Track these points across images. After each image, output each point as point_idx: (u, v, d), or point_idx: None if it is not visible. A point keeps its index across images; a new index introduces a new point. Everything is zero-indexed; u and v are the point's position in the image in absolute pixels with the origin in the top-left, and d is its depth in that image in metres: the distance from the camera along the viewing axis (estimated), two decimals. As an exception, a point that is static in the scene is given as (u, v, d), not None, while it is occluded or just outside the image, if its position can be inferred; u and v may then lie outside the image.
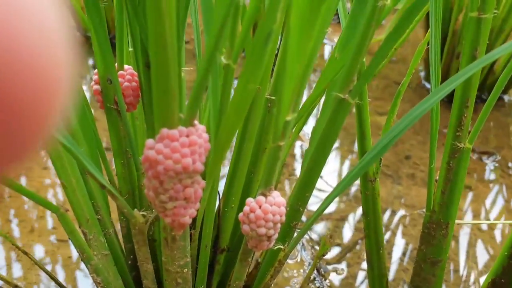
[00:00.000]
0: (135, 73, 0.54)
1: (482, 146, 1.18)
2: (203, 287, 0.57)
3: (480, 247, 0.91)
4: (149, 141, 0.38)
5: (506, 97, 1.36)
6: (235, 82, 0.42)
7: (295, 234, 0.56)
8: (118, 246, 0.56)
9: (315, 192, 0.58)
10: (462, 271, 0.87)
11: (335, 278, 0.83)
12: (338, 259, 0.86)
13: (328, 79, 0.50)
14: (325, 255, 0.52)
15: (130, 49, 0.58)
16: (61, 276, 0.79)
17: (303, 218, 0.91)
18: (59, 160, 0.43)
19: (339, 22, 1.77)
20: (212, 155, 0.43)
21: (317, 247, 0.87)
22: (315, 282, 0.81)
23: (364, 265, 0.85)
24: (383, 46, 0.46)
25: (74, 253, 0.83)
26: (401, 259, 0.88)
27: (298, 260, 0.85)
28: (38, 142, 0.13)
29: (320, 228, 0.93)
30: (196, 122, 0.39)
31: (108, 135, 0.56)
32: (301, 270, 0.83)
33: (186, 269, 0.49)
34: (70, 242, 0.84)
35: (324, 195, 0.98)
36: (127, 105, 0.54)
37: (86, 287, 0.78)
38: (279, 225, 0.45)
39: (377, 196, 0.61)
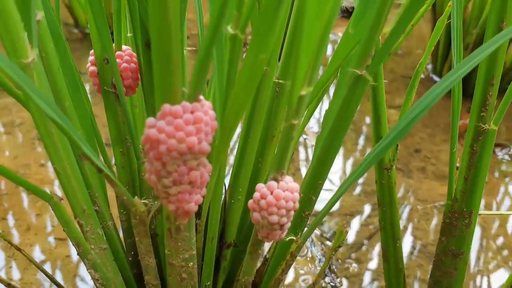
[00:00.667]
0: (134, 54, 0.50)
1: (494, 138, 1.15)
2: (209, 284, 0.53)
3: (495, 239, 0.87)
4: (150, 120, 0.34)
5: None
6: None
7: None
8: (118, 240, 0.52)
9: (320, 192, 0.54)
10: (481, 264, 0.83)
11: (347, 275, 0.79)
12: (349, 255, 0.82)
13: (343, 56, 0.46)
14: (341, 246, 0.48)
15: (129, 34, 0.55)
16: (58, 276, 0.75)
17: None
18: (52, 144, 0.39)
19: (342, 16, 1.74)
20: (218, 137, 0.40)
21: (327, 243, 0.84)
22: (326, 278, 0.77)
23: (375, 262, 0.82)
24: (401, 19, 0.43)
25: (73, 252, 0.79)
26: (415, 255, 0.84)
27: (308, 257, 0.81)
28: None
29: (328, 223, 0.89)
30: (201, 97, 0.35)
31: (107, 131, 0.52)
32: (312, 267, 0.79)
33: (192, 263, 0.45)
34: (68, 241, 0.80)
35: (329, 195, 0.94)
36: (126, 88, 0.50)
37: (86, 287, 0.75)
38: (292, 213, 0.41)
39: (393, 185, 0.57)
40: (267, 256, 0.61)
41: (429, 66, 1.39)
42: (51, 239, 0.82)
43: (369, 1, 0.43)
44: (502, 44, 0.44)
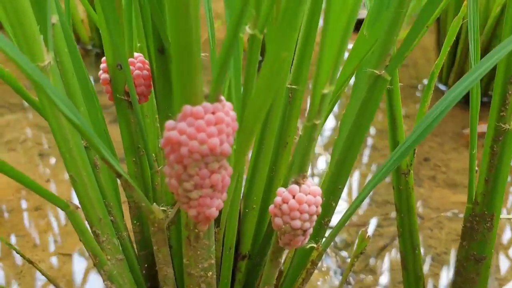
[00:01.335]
0: (146, 61, 0.49)
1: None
2: (227, 295, 0.52)
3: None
4: (170, 122, 0.33)
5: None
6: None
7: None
8: (133, 252, 0.50)
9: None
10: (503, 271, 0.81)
11: (362, 287, 0.77)
12: (363, 267, 0.81)
13: (359, 58, 0.46)
14: (363, 252, 0.46)
15: (138, 44, 0.54)
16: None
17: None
18: (69, 151, 0.38)
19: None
20: (237, 140, 0.39)
21: (342, 253, 0.82)
22: (343, 290, 0.75)
23: (390, 272, 0.80)
24: (421, 15, 0.42)
25: (78, 268, 0.78)
26: (430, 264, 0.82)
27: (323, 268, 0.79)
28: None
29: (340, 234, 0.88)
30: (222, 97, 0.34)
31: (116, 145, 0.51)
32: (327, 278, 0.77)
33: (211, 273, 0.43)
34: (75, 257, 0.78)
35: (341, 207, 0.93)
36: (138, 95, 0.49)
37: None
38: (315, 217, 0.40)
39: (411, 190, 0.56)
40: (282, 268, 0.59)
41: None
42: (57, 255, 0.80)
43: (382, 3, 0.42)
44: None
